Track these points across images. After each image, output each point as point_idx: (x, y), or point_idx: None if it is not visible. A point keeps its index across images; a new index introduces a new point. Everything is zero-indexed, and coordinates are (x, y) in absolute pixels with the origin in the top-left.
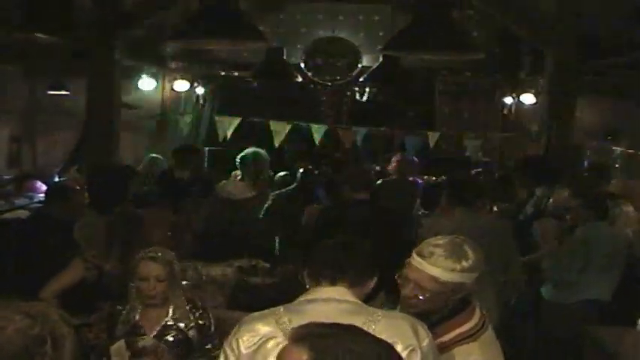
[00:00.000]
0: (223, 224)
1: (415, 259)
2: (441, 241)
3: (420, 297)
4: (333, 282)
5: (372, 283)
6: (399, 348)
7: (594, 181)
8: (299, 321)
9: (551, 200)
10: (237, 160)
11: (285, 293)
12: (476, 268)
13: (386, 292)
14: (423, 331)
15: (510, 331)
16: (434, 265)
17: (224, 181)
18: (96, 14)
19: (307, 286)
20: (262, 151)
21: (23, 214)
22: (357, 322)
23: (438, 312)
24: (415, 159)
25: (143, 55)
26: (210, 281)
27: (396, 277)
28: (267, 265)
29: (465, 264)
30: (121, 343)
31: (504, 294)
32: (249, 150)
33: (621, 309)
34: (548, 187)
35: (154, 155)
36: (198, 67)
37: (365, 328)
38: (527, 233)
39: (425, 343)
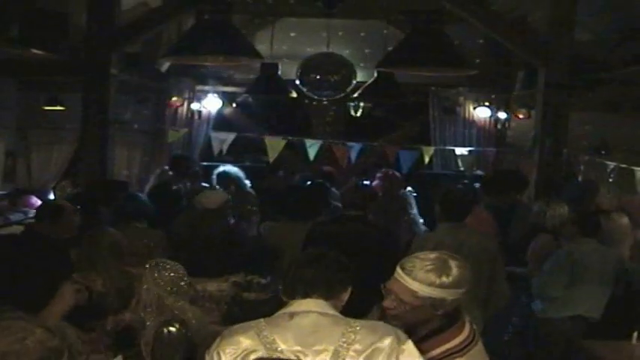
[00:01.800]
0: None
1: (397, 272)
2: (428, 255)
3: (399, 309)
4: (306, 297)
5: (346, 295)
6: (384, 342)
7: (582, 197)
8: (281, 334)
9: (547, 215)
10: (214, 177)
11: (280, 308)
12: (458, 285)
13: (380, 307)
14: (403, 334)
15: (502, 346)
16: (414, 279)
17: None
18: (91, 30)
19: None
20: (229, 168)
21: (18, 229)
22: (337, 332)
23: (425, 326)
24: (398, 174)
25: (138, 70)
26: (208, 297)
27: (381, 287)
28: (263, 280)
29: (445, 279)
30: (119, 358)
31: (489, 307)
32: (222, 168)
33: (611, 324)
34: (546, 202)
35: (165, 168)
36: (193, 83)
37: (345, 339)
38: (524, 250)
39: (404, 345)
